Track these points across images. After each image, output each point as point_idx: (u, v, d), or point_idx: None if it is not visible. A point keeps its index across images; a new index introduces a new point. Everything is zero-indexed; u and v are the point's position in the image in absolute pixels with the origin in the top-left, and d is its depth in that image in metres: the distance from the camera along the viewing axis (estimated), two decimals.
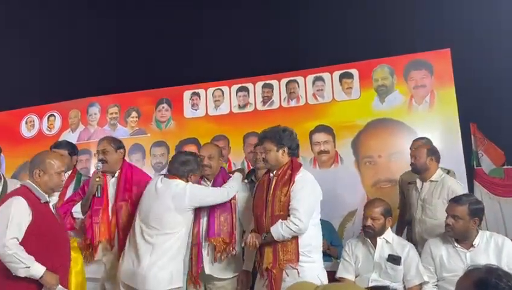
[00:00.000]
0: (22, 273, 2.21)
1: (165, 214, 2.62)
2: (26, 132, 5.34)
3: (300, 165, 2.71)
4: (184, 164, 2.78)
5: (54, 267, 2.31)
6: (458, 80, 4.12)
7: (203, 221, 2.83)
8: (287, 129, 2.72)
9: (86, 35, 5.46)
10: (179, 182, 2.71)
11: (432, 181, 3.13)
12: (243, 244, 2.63)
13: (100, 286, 2.87)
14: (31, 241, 2.26)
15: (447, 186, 3.04)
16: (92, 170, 4.21)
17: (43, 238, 2.29)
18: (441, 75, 4.21)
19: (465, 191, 3.30)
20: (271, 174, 2.68)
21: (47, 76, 5.39)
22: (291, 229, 2.44)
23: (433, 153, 3.19)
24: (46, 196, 2.40)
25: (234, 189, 2.83)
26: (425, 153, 3.14)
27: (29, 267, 2.20)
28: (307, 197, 2.53)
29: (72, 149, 3.34)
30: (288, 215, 2.48)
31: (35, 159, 2.48)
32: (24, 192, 2.35)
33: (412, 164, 3.23)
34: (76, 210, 2.88)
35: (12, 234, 2.21)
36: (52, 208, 2.45)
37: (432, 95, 4.24)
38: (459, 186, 3.10)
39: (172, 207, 2.62)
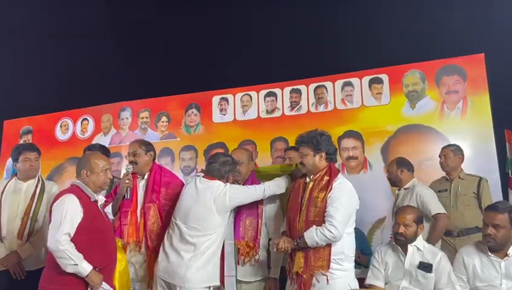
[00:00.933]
0: (70, 269, 2.28)
1: (207, 215, 2.66)
2: (60, 135, 5.52)
3: (338, 171, 2.69)
4: (223, 165, 2.81)
5: (102, 264, 2.39)
6: (492, 86, 4.01)
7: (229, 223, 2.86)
8: (325, 134, 2.70)
9: (117, 41, 5.61)
10: (219, 183, 2.74)
11: (405, 189, 3.33)
12: (274, 249, 2.60)
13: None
14: (82, 238, 2.34)
15: (415, 192, 3.19)
16: (123, 172, 4.31)
17: (92, 236, 2.38)
18: (474, 80, 4.11)
19: (434, 196, 3.30)
20: (307, 179, 2.66)
21: (81, 81, 5.56)
22: (326, 237, 2.42)
23: (403, 165, 3.48)
24: (95, 195, 2.49)
25: (271, 189, 2.82)
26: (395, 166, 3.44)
27: (77, 264, 2.27)
28: (344, 205, 2.50)
29: (106, 152, 3.42)
30: (323, 222, 2.46)
31: (81, 161, 2.59)
32: (75, 190, 2.45)
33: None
34: (109, 211, 2.93)
35: (65, 230, 2.29)
36: (100, 208, 2.54)
37: (464, 101, 4.14)
38: (427, 191, 3.21)
39: (214, 208, 2.65)
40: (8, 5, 6.04)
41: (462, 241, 3.10)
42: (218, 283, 2.71)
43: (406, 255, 2.68)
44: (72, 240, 2.31)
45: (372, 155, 4.30)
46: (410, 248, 2.68)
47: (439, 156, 3.49)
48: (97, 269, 2.35)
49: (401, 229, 2.68)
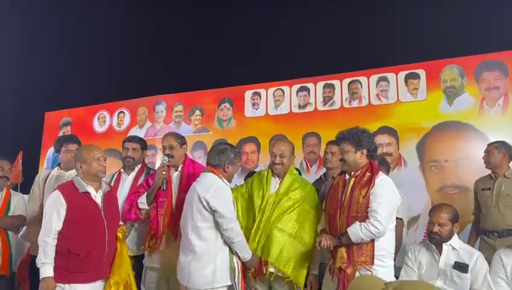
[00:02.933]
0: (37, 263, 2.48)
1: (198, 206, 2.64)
2: (98, 127, 5.70)
3: (379, 168, 2.67)
4: (221, 153, 2.79)
5: (85, 251, 2.49)
6: None
7: None
8: (366, 131, 2.69)
9: (154, 35, 5.72)
10: (211, 176, 2.73)
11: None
12: (317, 247, 2.56)
13: (162, 275, 2.97)
14: (68, 228, 2.50)
15: None
16: (158, 164, 4.40)
17: (77, 225, 2.50)
18: None
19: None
20: (347, 176, 2.65)
21: (118, 74, 5.71)
22: (370, 232, 2.42)
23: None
24: (88, 186, 2.58)
25: (235, 234, 2.63)
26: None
27: (39, 265, 2.45)
28: (388, 201, 2.50)
29: (144, 144, 3.51)
30: (366, 218, 2.45)
31: (75, 154, 2.73)
32: (66, 185, 2.62)
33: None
34: (142, 201, 3.00)
35: (50, 228, 2.47)
36: (98, 197, 2.61)
37: (506, 97, 3.99)
38: None
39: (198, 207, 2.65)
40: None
41: (503, 242, 2.98)
42: (229, 283, 2.62)
43: (440, 254, 2.61)
44: (60, 232, 2.48)
45: (407, 152, 4.22)
46: (445, 247, 2.62)
47: (484, 152, 3.35)
48: (81, 256, 2.47)
49: (436, 229, 2.62)
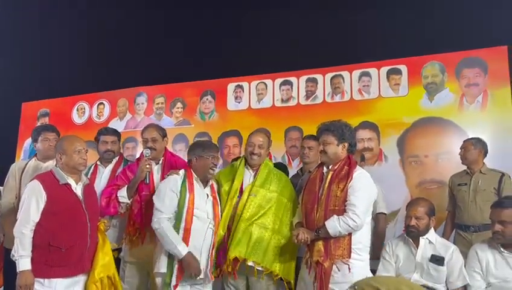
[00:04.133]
0: (12, 256, 2.39)
1: None
2: (77, 118, 5.59)
3: (356, 162, 2.68)
4: (190, 149, 2.88)
5: (68, 245, 2.42)
6: None
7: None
8: (348, 125, 2.72)
9: (135, 26, 5.62)
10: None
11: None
12: (294, 240, 2.57)
13: (143, 269, 2.94)
14: (48, 220, 2.41)
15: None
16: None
17: (57, 218, 2.42)
18: (495, 73, 4.00)
19: None
20: (324, 169, 2.65)
21: (97, 65, 5.60)
22: (349, 226, 2.43)
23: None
24: (68, 177, 2.51)
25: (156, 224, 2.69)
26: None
27: (14, 257, 2.36)
28: (366, 195, 2.53)
29: (119, 135, 3.46)
30: (344, 211, 2.47)
31: (56, 145, 2.67)
32: (45, 175, 2.54)
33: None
34: (122, 195, 2.94)
35: (27, 219, 2.38)
36: (78, 189, 2.54)
37: (485, 94, 4.04)
38: None
39: None
40: None
41: (480, 237, 3.03)
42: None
43: (417, 248, 2.64)
44: (39, 221, 2.39)
45: (388, 147, 4.24)
46: (422, 240, 2.65)
47: (460, 148, 3.40)
48: (63, 249, 2.40)
49: (413, 222, 2.65)
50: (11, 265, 3.09)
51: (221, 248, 2.78)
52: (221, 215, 2.81)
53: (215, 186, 2.89)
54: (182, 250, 2.57)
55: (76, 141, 2.59)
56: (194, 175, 2.77)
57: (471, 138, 3.44)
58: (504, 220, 2.47)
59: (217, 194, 2.87)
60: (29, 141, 5.64)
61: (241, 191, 2.88)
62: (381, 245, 3.06)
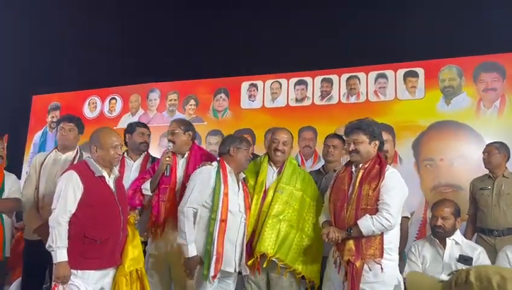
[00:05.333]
0: (47, 247, 2.34)
1: None
2: (88, 113, 5.55)
3: (387, 161, 2.67)
4: (225, 140, 2.87)
5: (103, 238, 2.40)
6: None
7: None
8: (377, 123, 2.72)
9: (150, 23, 5.59)
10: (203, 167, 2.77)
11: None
12: (325, 239, 2.54)
13: (164, 262, 2.91)
14: (84, 212, 2.38)
15: None
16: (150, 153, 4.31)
17: (94, 210, 2.39)
18: None
19: None
20: (353, 168, 2.63)
21: (111, 60, 5.56)
22: (382, 225, 2.40)
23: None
24: (102, 170, 2.49)
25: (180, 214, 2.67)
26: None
27: (52, 247, 2.31)
28: (399, 194, 2.50)
29: (146, 128, 3.47)
30: (376, 210, 2.44)
31: (92, 136, 2.60)
32: (80, 166, 2.50)
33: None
34: (146, 187, 2.94)
35: (65, 209, 2.35)
36: (111, 182, 2.53)
37: (502, 99, 4.06)
38: None
39: None
40: None
41: (503, 241, 3.02)
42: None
43: (444, 248, 2.64)
44: (74, 213, 2.36)
45: (403, 149, 4.25)
46: (448, 241, 2.64)
47: (483, 152, 3.40)
48: (98, 242, 2.38)
49: (440, 222, 2.65)
50: (31, 256, 3.08)
51: (247, 244, 2.77)
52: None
53: (244, 180, 2.88)
54: (193, 250, 2.57)
55: (114, 135, 2.56)
56: (228, 167, 2.75)
57: (494, 142, 3.42)
58: None
59: (247, 187, 2.86)
60: (39, 134, 5.62)
61: (265, 188, 2.87)
62: (403, 248, 3.06)
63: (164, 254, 2.88)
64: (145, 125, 3.47)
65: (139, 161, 3.27)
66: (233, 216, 2.65)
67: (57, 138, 3.27)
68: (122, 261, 2.47)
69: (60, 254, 2.29)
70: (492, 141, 3.48)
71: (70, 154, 3.11)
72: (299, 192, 2.87)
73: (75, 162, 3.02)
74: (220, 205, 2.62)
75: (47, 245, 2.33)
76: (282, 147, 2.90)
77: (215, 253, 2.57)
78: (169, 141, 2.99)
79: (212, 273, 2.54)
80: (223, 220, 2.61)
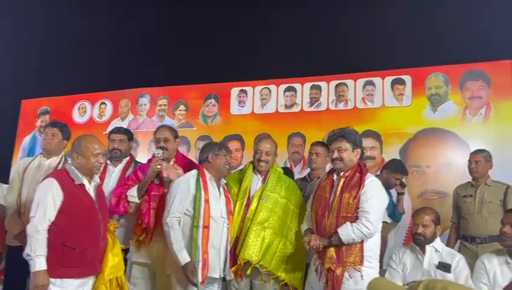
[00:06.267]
0: (24, 255, 2.31)
1: None
2: (78, 117, 5.54)
3: (367, 169, 2.69)
4: (204, 148, 2.90)
5: (83, 246, 2.38)
6: None
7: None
8: (358, 132, 2.74)
9: (140, 27, 5.61)
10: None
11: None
12: (306, 247, 2.56)
13: (150, 270, 2.90)
14: (63, 220, 2.36)
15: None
16: (139, 157, 4.30)
17: (72, 218, 2.37)
18: (499, 87, 4.07)
19: None
20: (335, 176, 2.65)
21: (101, 65, 5.57)
22: (362, 233, 2.43)
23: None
24: (82, 178, 2.47)
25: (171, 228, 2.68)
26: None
27: (31, 257, 2.28)
28: (379, 202, 2.53)
29: (130, 135, 3.46)
30: (356, 218, 2.46)
31: (75, 143, 2.61)
32: (60, 174, 2.48)
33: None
34: (132, 194, 2.92)
35: (44, 217, 2.32)
36: (91, 189, 2.52)
37: (487, 107, 4.09)
38: None
39: None
40: None
41: (485, 248, 3.04)
42: None
43: (424, 255, 2.65)
44: (53, 222, 2.33)
45: (390, 156, 4.25)
46: (428, 248, 2.66)
47: (469, 161, 3.40)
48: (77, 250, 2.35)
49: (420, 230, 2.66)
50: (11, 264, 3.06)
51: (230, 250, 2.77)
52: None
53: (226, 187, 2.88)
54: (186, 256, 2.56)
55: (96, 143, 2.54)
56: (208, 174, 2.76)
57: (480, 151, 3.42)
58: None
59: (228, 193, 2.87)
60: (28, 138, 5.60)
61: (249, 195, 2.88)
62: (383, 254, 3.07)
63: (150, 261, 2.87)
64: (118, 131, 3.43)
65: (120, 166, 3.27)
66: (215, 222, 2.67)
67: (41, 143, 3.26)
68: (102, 269, 2.46)
69: (39, 263, 2.26)
70: (477, 149, 3.48)
71: (54, 160, 3.09)
72: (283, 200, 2.89)
73: (59, 167, 3.01)
74: (202, 211, 2.63)
75: (25, 254, 2.30)
76: (265, 157, 2.92)
77: (200, 259, 2.58)
78: (161, 148, 2.98)
79: (200, 279, 2.55)
80: (206, 227, 2.62)
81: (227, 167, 2.85)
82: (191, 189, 2.67)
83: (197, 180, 2.71)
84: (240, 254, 2.73)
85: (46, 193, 2.35)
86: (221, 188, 2.81)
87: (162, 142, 2.98)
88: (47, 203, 2.33)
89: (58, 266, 2.31)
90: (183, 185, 2.69)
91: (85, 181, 2.49)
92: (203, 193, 2.67)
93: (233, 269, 2.73)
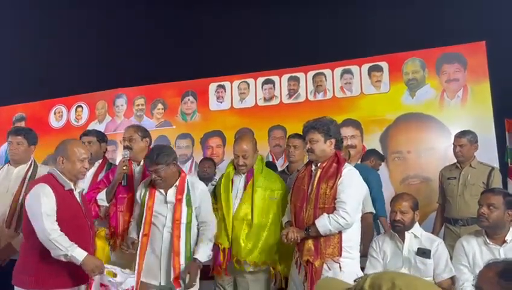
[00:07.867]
0: (63, 259, 2.21)
1: None
2: (54, 122, 5.45)
3: (344, 159, 2.65)
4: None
5: None
6: (493, 75, 3.96)
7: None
8: (334, 121, 2.65)
9: (114, 27, 5.51)
10: None
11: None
12: (284, 240, 2.50)
13: None
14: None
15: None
16: (118, 160, 4.23)
17: (65, 224, 2.28)
18: (474, 69, 4.07)
19: None
20: (313, 167, 2.60)
21: (75, 68, 5.46)
22: (339, 224, 2.38)
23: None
24: (71, 183, 2.39)
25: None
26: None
27: (67, 254, 2.20)
28: (356, 192, 2.48)
29: (101, 136, 3.35)
30: (334, 209, 2.42)
31: (59, 147, 2.49)
32: (49, 179, 2.37)
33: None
34: (101, 197, 2.85)
35: (51, 219, 2.23)
36: (77, 195, 2.44)
37: (465, 89, 4.09)
38: None
39: None
40: None
41: (468, 230, 2.98)
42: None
43: (403, 242, 2.63)
44: None
45: (371, 144, 4.25)
46: (407, 235, 2.62)
47: (454, 144, 3.33)
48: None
49: (398, 217, 2.62)
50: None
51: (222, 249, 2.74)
52: (225, 219, 2.77)
53: (185, 189, 2.73)
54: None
55: (82, 147, 2.45)
56: None
57: (464, 133, 3.30)
58: (492, 203, 2.45)
59: (184, 196, 2.69)
60: (4, 146, 5.47)
61: (234, 195, 2.84)
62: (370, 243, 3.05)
63: (123, 265, 2.81)
64: (88, 133, 3.34)
65: (92, 170, 3.17)
66: (157, 229, 2.59)
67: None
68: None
69: (78, 253, 2.20)
70: (461, 132, 3.34)
71: (23, 167, 2.97)
72: (269, 193, 2.84)
73: (28, 175, 2.91)
74: (143, 219, 2.59)
75: (60, 254, 2.19)
76: (243, 160, 2.85)
77: (137, 266, 2.56)
78: (126, 147, 2.89)
79: (133, 283, 2.49)
80: (145, 235, 2.57)
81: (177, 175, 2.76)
82: (141, 197, 2.69)
83: (146, 188, 2.69)
84: (232, 252, 2.71)
85: (42, 198, 2.25)
86: (174, 191, 2.67)
87: (127, 141, 2.88)
88: (46, 207, 2.23)
89: (47, 275, 2.23)
90: (137, 194, 2.73)
91: (73, 186, 2.42)
92: (147, 200, 2.64)
93: (223, 266, 2.70)
